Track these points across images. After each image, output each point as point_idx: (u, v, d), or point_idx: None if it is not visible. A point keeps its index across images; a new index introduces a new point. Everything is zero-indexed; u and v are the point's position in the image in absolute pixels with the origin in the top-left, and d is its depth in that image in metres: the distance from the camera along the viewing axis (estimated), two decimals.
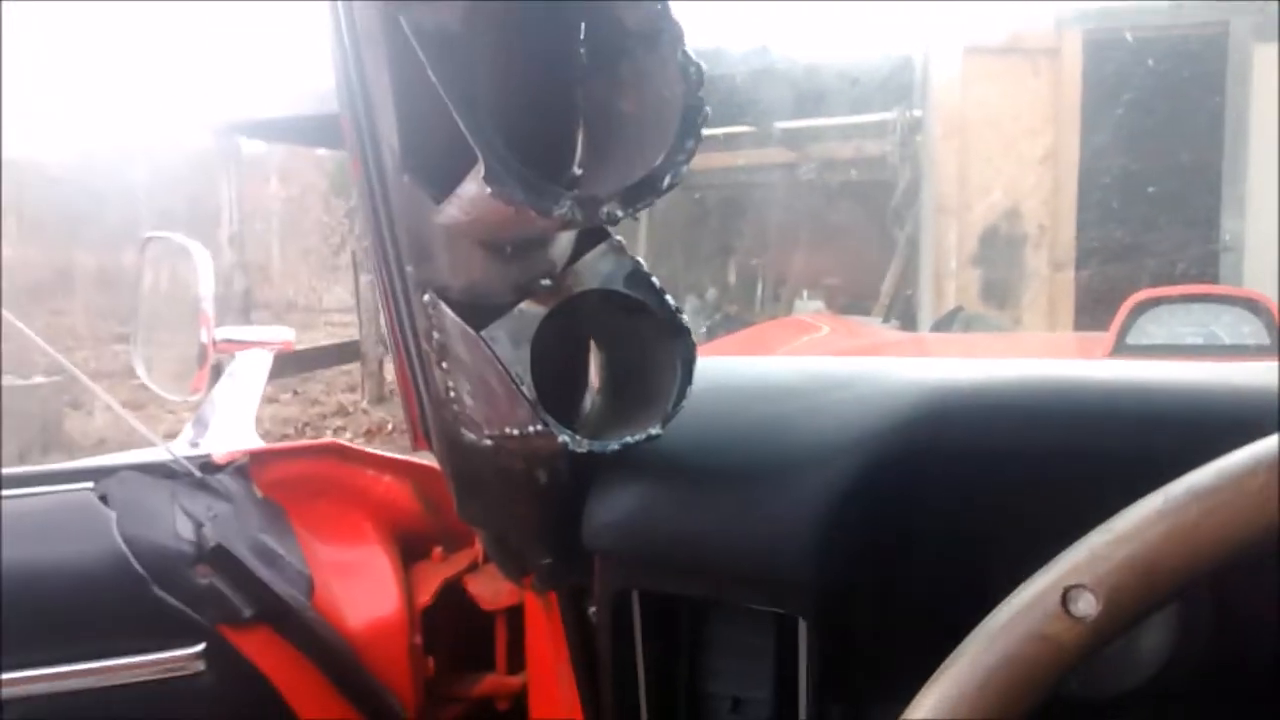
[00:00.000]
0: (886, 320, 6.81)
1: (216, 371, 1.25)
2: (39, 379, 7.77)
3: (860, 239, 8.74)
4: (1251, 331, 3.10)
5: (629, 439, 0.64)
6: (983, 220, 6.82)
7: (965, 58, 6.66)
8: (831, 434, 0.70)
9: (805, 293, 9.56)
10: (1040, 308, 6.83)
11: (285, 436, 7.25)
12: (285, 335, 1.32)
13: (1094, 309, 6.90)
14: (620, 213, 0.47)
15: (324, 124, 8.39)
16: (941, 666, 0.42)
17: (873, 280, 8.20)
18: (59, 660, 0.87)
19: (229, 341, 1.24)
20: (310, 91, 8.24)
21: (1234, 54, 6.61)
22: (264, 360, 1.27)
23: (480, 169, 0.45)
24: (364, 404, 8.79)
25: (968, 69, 6.66)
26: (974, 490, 0.67)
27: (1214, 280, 6.70)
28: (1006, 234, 6.80)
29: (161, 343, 1.25)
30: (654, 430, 0.64)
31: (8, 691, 0.86)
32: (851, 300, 8.91)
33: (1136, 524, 0.40)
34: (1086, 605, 0.39)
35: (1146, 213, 7.60)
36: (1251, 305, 3.17)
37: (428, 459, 1.11)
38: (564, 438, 0.61)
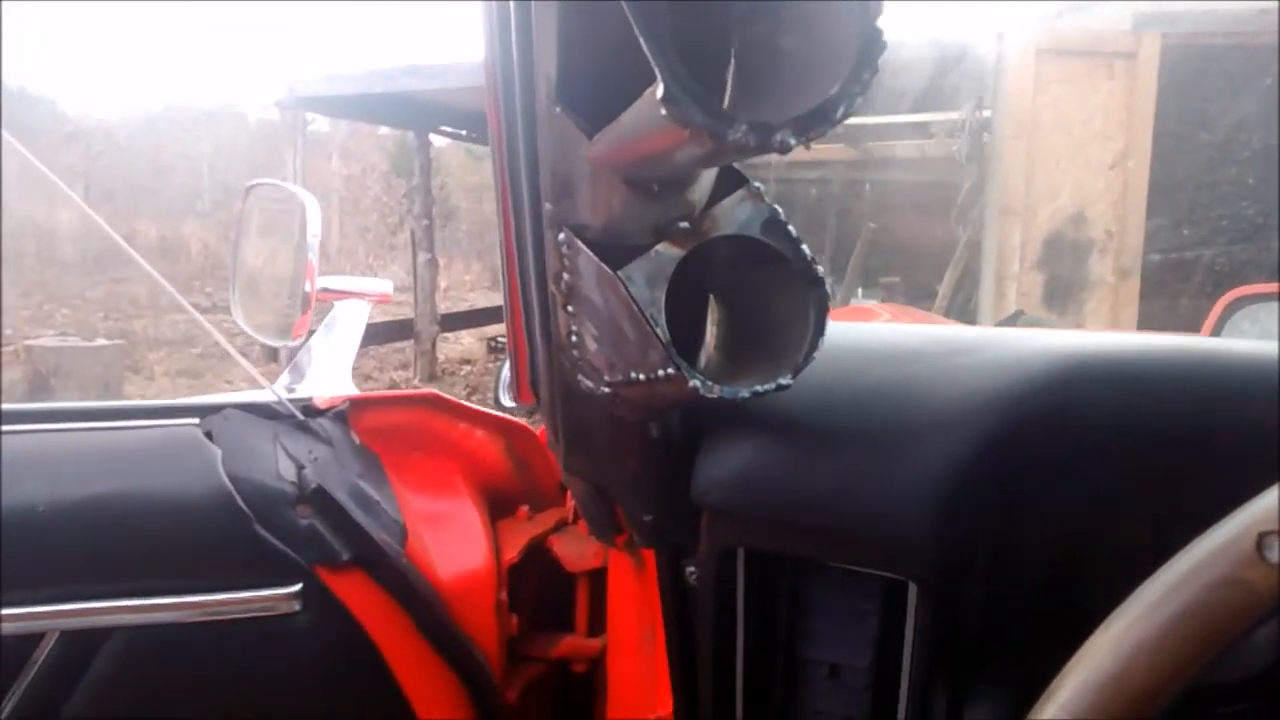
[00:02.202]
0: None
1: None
2: (101, 341, 7.94)
3: (920, 238, 8.64)
4: None
5: (759, 388, 0.63)
6: (1048, 224, 6.68)
7: (1039, 58, 6.52)
8: (958, 398, 0.69)
9: (860, 291, 9.48)
10: (1103, 315, 6.69)
11: None
12: (384, 287, 1.32)
13: (1158, 317, 6.77)
14: (793, 140, 0.46)
15: (389, 102, 8.49)
16: (1114, 614, 0.41)
17: (930, 280, 8.10)
18: (160, 591, 0.88)
19: (329, 291, 1.25)
20: (376, 70, 8.32)
21: None
22: (362, 311, 1.27)
23: (658, 88, 0.44)
24: (416, 381, 8.87)
25: (1041, 70, 6.53)
26: (1102, 458, 0.66)
27: None
28: (1072, 239, 6.67)
29: (261, 290, 1.25)
30: (785, 380, 0.63)
31: (110, 619, 0.87)
32: (908, 300, 8.82)
33: None
34: None
35: (1219, 221, 7.44)
36: None
37: (518, 417, 1.11)
38: (694, 382, 0.60)
